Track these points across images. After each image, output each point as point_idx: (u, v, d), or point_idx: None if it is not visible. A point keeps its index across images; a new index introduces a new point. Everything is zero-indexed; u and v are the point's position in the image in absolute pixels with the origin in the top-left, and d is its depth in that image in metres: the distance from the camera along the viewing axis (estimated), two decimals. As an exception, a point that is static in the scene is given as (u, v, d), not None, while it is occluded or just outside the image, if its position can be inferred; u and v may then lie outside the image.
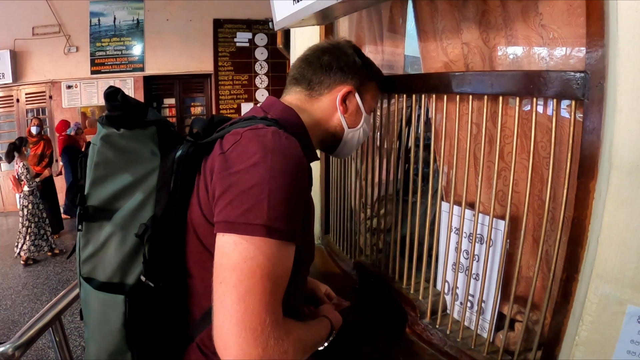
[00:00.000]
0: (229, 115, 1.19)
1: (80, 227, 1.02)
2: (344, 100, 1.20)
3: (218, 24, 8.94)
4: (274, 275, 0.84)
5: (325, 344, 1.16)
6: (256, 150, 0.89)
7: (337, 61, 1.20)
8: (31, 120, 7.24)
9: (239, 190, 0.86)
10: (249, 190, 0.85)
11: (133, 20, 8.62)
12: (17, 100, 8.47)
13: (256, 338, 0.80)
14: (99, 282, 1.01)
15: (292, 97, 1.22)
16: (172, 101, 9.21)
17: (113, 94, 0.97)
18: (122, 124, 0.99)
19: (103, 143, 1.00)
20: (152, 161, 1.00)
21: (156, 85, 9.00)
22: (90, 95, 8.44)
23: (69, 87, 8.47)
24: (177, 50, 8.77)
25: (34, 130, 6.95)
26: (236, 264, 0.83)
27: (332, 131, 1.23)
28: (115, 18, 8.56)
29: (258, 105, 1.19)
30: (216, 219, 0.88)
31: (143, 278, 0.97)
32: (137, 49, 8.69)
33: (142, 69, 8.73)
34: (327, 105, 1.20)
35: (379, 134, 1.71)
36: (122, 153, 1.00)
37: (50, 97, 8.48)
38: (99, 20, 8.51)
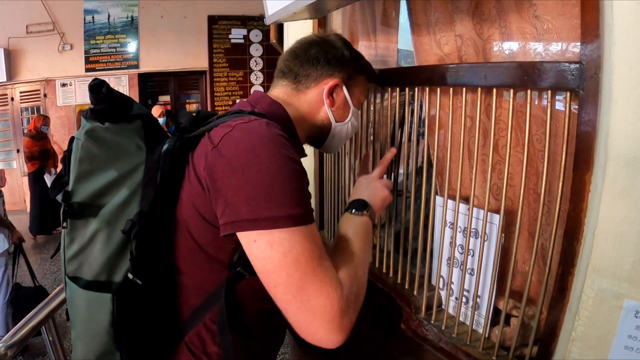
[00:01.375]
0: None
1: (64, 224, 0.99)
2: (330, 93, 1.19)
3: (212, 20, 8.92)
4: (314, 254, 0.85)
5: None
6: (255, 141, 0.88)
7: (324, 54, 1.18)
8: (38, 118, 7.03)
9: (252, 186, 0.85)
10: (262, 185, 0.85)
11: (127, 18, 8.58)
12: (12, 99, 8.44)
13: (334, 312, 0.83)
14: (85, 280, 0.99)
15: (279, 90, 1.20)
16: (167, 98, 9.17)
17: (98, 86, 0.95)
18: (107, 118, 0.97)
19: (87, 137, 0.97)
20: (138, 155, 0.98)
21: (151, 83, 8.98)
22: (85, 93, 8.36)
23: (64, 85, 8.43)
24: (172, 47, 8.74)
25: (44, 130, 6.87)
26: (281, 262, 0.83)
27: (319, 125, 1.21)
28: (109, 15, 8.52)
29: (245, 100, 1.18)
30: (232, 218, 0.87)
31: (130, 275, 0.95)
32: (131, 46, 8.65)
33: (136, 66, 8.70)
34: (314, 99, 1.19)
35: (372, 128, 1.69)
36: (107, 147, 0.98)
37: (45, 95, 8.44)
38: (93, 17, 8.46)
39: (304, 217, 0.86)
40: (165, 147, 0.98)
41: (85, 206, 0.98)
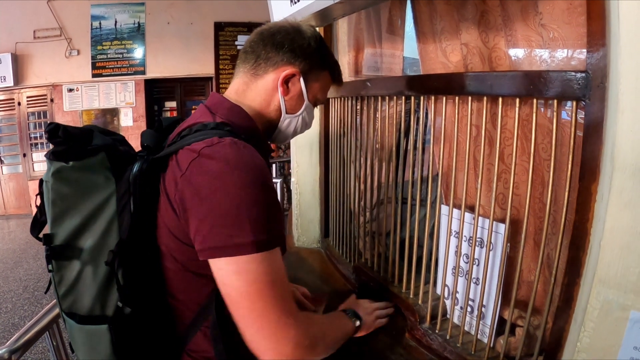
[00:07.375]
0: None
1: (50, 266, 1.01)
2: (286, 81, 1.16)
3: (219, 27, 8.94)
4: (277, 282, 0.91)
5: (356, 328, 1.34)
6: (221, 169, 0.90)
7: (290, 42, 1.16)
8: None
9: (218, 214, 0.88)
10: (228, 212, 0.88)
11: (134, 24, 8.61)
12: (19, 104, 8.46)
13: (288, 341, 0.91)
14: (81, 316, 1.01)
15: (239, 81, 1.19)
16: (173, 104, 9.19)
17: (54, 131, 0.96)
18: (70, 157, 0.97)
19: (55, 179, 0.98)
20: (108, 187, 0.99)
21: (157, 89, 8.99)
22: (91, 98, 8.41)
23: (70, 90, 8.45)
24: (178, 53, 8.76)
25: None
26: (245, 290, 0.89)
27: (272, 116, 1.19)
28: (116, 21, 8.55)
29: (204, 104, 1.17)
30: (202, 245, 0.91)
31: (120, 304, 0.98)
32: (138, 52, 8.68)
33: (143, 72, 8.72)
34: (269, 85, 1.16)
35: (378, 136, 1.69)
36: (76, 185, 0.98)
37: (52, 100, 8.46)
38: (100, 23, 8.50)
39: (267, 243, 0.90)
40: (133, 171, 0.99)
41: (67, 247, 0.99)
